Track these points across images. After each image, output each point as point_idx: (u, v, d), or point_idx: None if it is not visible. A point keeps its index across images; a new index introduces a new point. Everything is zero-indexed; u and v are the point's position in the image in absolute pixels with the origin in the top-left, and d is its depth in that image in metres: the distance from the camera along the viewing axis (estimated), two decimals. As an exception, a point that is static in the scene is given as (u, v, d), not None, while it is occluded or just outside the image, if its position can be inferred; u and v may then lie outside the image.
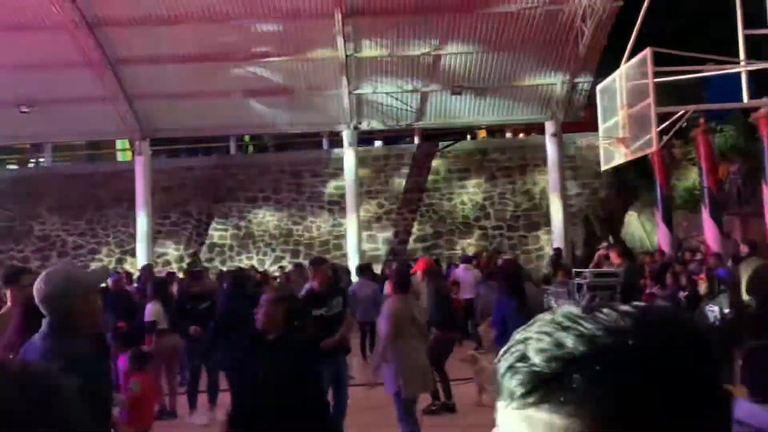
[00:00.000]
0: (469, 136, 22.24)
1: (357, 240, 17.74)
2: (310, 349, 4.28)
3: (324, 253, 18.93)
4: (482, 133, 22.67)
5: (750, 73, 11.37)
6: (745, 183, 15.26)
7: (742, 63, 9.64)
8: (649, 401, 0.65)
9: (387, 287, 6.72)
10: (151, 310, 7.62)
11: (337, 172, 18.45)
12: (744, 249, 10.24)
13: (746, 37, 10.92)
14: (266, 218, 19.44)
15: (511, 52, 16.31)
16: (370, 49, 16.27)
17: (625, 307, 0.71)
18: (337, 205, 18.98)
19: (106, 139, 21.95)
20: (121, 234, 19.49)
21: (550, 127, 17.80)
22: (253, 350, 3.94)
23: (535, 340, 0.70)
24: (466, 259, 13.86)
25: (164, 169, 19.44)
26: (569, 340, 0.67)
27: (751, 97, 11.20)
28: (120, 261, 19.20)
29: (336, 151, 18.87)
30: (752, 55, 11.20)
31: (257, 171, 19.57)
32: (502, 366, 0.71)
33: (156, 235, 18.80)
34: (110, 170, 20.34)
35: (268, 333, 3.85)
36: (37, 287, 2.63)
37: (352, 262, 16.15)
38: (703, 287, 8.34)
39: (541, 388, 0.67)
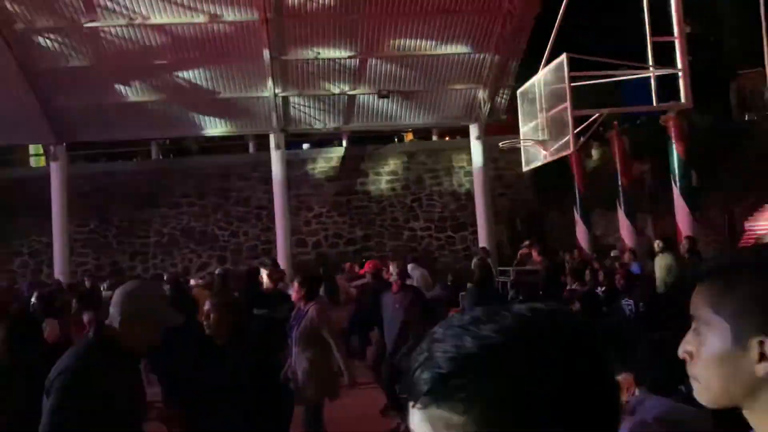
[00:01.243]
0: (396, 139, 22.49)
1: (287, 244, 17.58)
2: (261, 351, 4.29)
3: (252, 258, 18.68)
4: (409, 136, 22.96)
5: (659, 78, 12.06)
6: (656, 182, 16.11)
7: (651, 68, 10.18)
8: (531, 395, 0.69)
9: (294, 293, 6.27)
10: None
11: (265, 175, 18.21)
12: (658, 244, 10.80)
13: (654, 44, 11.57)
14: (191, 224, 18.97)
15: (436, 57, 16.58)
16: (295, 52, 16.15)
17: (520, 308, 0.76)
18: (265, 210, 18.75)
19: (18, 144, 20.83)
20: (36, 243, 18.56)
21: (474, 130, 18.21)
22: (203, 356, 3.90)
23: (440, 342, 0.73)
24: (413, 259, 14.13)
25: (82, 174, 18.64)
26: (468, 342, 0.71)
27: (660, 100, 11.86)
28: (36, 272, 18.27)
29: (263, 154, 18.62)
30: (661, 60, 11.89)
31: (181, 175, 19.08)
32: (411, 366, 0.74)
33: (74, 244, 18.01)
34: (23, 176, 19.34)
35: (216, 338, 3.82)
36: None
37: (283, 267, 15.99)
38: (620, 283, 8.74)
39: (442, 387, 0.70)
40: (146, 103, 16.81)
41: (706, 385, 1.08)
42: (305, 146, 20.98)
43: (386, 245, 19.14)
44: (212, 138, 19.85)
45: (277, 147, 17.66)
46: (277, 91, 16.73)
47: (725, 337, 1.05)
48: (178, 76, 16.42)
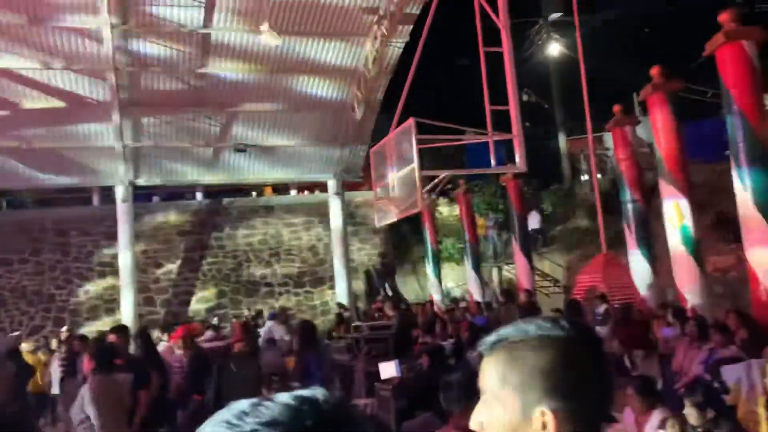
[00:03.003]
0: (255, 193, 22.22)
1: (133, 304, 16.50)
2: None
3: (94, 319, 17.32)
4: (268, 190, 22.80)
5: (500, 142, 13.06)
6: (499, 237, 17.24)
7: (489, 134, 11.01)
8: None
9: (85, 364, 5.64)
10: None
11: (110, 230, 17.11)
12: (499, 297, 11.43)
13: (493, 111, 12.56)
14: (23, 282, 17.27)
15: (295, 115, 16.78)
16: (149, 99, 15.53)
17: (284, 398, 0.78)
18: (109, 267, 17.54)
19: None
20: None
21: (332, 186, 18.52)
22: None
23: None
24: (272, 316, 13.86)
25: None
26: None
27: (499, 163, 12.82)
28: None
29: (108, 207, 17.51)
30: (502, 126, 12.91)
31: (13, 229, 17.40)
32: None
33: None
34: None
35: None
36: None
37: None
38: (465, 335, 9.12)
39: None
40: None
41: None
42: (155, 199, 20.05)
43: (242, 302, 18.61)
44: (50, 189, 18.37)
45: (124, 200, 16.74)
46: (126, 141, 15.98)
47: (513, 408, 1.11)
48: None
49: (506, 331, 1.20)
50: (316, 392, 0.77)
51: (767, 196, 7.42)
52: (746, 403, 5.47)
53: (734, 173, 7.66)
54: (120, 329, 7.05)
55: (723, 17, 7.54)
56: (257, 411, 0.73)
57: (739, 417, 5.34)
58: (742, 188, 7.52)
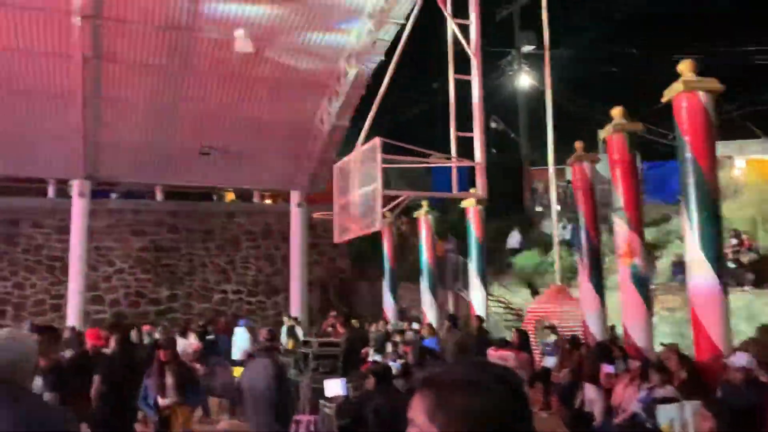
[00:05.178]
0: (215, 198, 21.96)
1: (81, 301, 16.07)
2: None
3: (39, 314, 16.81)
4: (230, 196, 22.57)
5: (462, 169, 13.22)
6: (457, 261, 17.35)
7: (453, 159, 11.14)
8: None
9: None
10: None
11: (63, 224, 16.68)
12: (445, 322, 11.45)
13: (459, 138, 12.72)
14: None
15: (263, 122, 16.65)
16: (115, 95, 15.21)
17: None
18: (59, 261, 17.08)
19: None
20: None
21: (295, 196, 18.42)
22: None
23: None
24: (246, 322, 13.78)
25: None
26: None
27: (461, 189, 12.97)
28: None
29: (63, 201, 17.07)
30: (467, 152, 13.08)
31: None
32: None
33: None
34: None
35: None
36: None
37: (71, 325, 14.55)
38: (410, 357, 9.12)
39: None
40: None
41: None
42: (113, 196, 19.62)
43: (193, 307, 18.30)
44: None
45: (81, 194, 16.35)
46: (87, 132, 15.60)
47: None
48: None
49: (437, 371, 1.28)
50: None
51: (713, 242, 7.65)
52: (677, 443, 5.60)
53: (684, 216, 7.89)
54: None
55: (682, 67, 7.80)
56: None
57: (670, 457, 5.46)
58: (691, 232, 7.74)
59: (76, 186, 16.37)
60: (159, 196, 19.74)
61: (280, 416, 5.90)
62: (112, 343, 7.14)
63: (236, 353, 12.43)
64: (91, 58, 14.07)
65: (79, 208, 16.27)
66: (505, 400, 1.21)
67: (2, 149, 15.75)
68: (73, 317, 15.57)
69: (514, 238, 19.19)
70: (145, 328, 13.14)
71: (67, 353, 8.21)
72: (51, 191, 18.62)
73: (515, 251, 19.02)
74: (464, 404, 1.18)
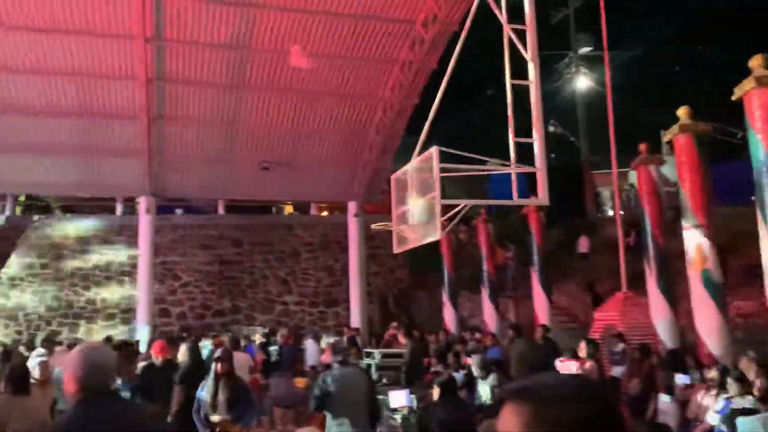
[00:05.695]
0: (275, 210, 22.38)
1: (148, 313, 16.60)
2: None
3: (110, 328, 17.47)
4: (289, 208, 22.94)
5: (520, 175, 12.98)
6: (518, 268, 17.07)
7: (512, 165, 10.95)
8: None
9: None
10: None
11: (131, 240, 17.31)
12: (510, 332, 11.25)
13: (517, 144, 12.51)
14: (42, 287, 17.53)
15: (319, 134, 16.90)
16: (177, 113, 15.75)
17: None
18: (128, 276, 17.73)
19: None
20: None
21: (352, 207, 18.56)
22: None
23: None
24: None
25: None
26: None
27: (523, 194, 12.74)
28: None
29: (131, 218, 17.75)
30: (526, 157, 12.85)
31: (35, 236, 17.71)
32: None
33: None
34: None
35: None
36: None
37: (142, 337, 15.08)
38: (472, 367, 8.96)
39: None
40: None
41: None
42: (178, 211, 20.27)
43: (256, 319, 18.64)
44: (76, 197, 18.64)
45: (147, 211, 16.94)
46: (153, 153, 16.20)
47: None
48: (42, 129, 15.49)
49: (529, 383, 1.24)
50: None
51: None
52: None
53: (759, 218, 7.53)
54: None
55: (753, 62, 7.48)
56: None
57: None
58: (766, 234, 7.38)
59: (142, 203, 16.94)
60: (221, 210, 20.26)
61: (374, 421, 6.14)
62: (180, 354, 7.32)
63: (309, 360, 12.44)
64: (154, 79, 14.64)
65: (145, 224, 16.85)
66: (602, 413, 1.18)
67: (75, 171, 16.46)
68: (142, 330, 16.12)
69: (583, 243, 18.77)
70: (217, 340, 13.37)
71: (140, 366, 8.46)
72: (119, 209, 19.37)
73: (583, 256, 18.57)
74: (564, 417, 1.15)
